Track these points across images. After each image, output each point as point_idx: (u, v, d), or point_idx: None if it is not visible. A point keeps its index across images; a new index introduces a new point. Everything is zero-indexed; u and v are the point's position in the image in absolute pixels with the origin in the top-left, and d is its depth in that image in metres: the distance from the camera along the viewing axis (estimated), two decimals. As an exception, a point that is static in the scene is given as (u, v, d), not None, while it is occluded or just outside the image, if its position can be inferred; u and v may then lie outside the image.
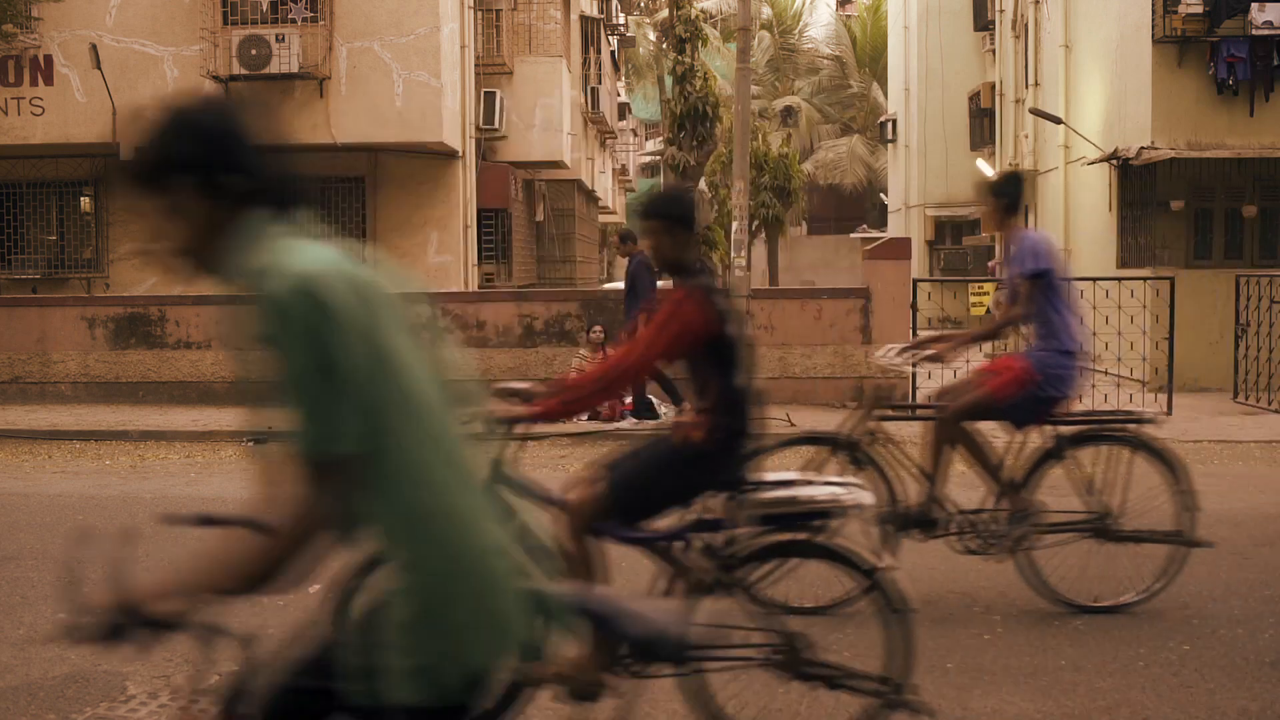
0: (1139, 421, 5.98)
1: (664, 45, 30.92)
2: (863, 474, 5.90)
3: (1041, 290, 5.82)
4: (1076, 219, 19.11)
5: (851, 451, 5.92)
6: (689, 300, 4.08)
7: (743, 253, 12.57)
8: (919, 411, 6.04)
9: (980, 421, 5.93)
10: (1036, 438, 5.95)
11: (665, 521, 4.21)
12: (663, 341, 4.08)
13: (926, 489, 5.86)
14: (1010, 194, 6.11)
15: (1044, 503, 5.91)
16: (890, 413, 6.11)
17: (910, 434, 6.49)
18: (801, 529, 4.11)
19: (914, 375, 13.50)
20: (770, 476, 4.27)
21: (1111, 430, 5.94)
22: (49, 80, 16.05)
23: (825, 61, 45.30)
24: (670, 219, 4.21)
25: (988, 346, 13.31)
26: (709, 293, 4.12)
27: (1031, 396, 5.80)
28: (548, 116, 19.20)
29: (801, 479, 4.26)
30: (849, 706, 4.14)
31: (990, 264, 26.08)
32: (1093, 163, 17.26)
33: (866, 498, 4.18)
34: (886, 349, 6.23)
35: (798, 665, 4.06)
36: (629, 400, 12.88)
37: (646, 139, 50.42)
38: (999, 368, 5.99)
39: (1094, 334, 13.99)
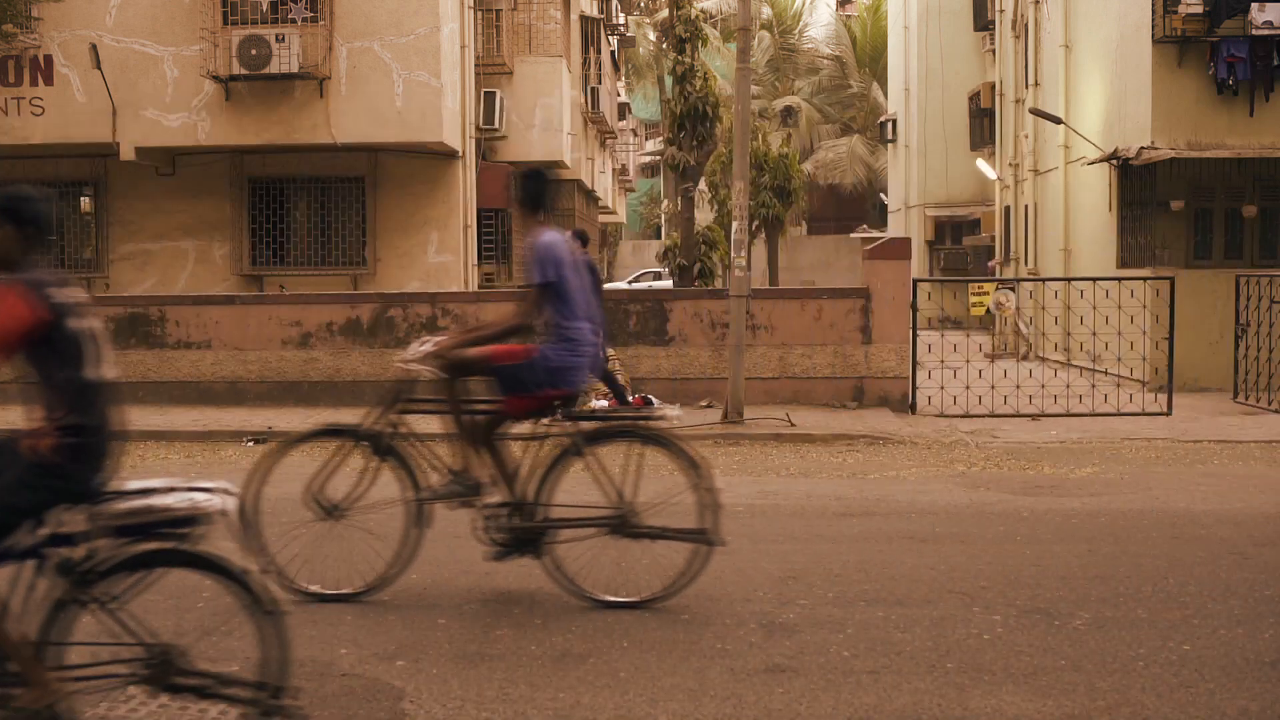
0: (651, 419, 6.07)
1: (664, 45, 30.91)
2: (386, 466, 6.01)
3: (549, 298, 5.94)
4: (1076, 219, 19.11)
5: (374, 444, 6.01)
6: (8, 294, 3.88)
7: (743, 253, 12.56)
8: (437, 405, 6.09)
9: (474, 379, 6.00)
10: (558, 430, 6.00)
11: (14, 539, 3.99)
12: None
13: (505, 491, 5.94)
14: (526, 192, 6.12)
15: (561, 499, 5.98)
16: (413, 406, 6.11)
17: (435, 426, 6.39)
18: (169, 537, 3.98)
19: (914, 375, 13.51)
20: (132, 485, 4.11)
21: (630, 427, 6.03)
22: (49, 80, 16.05)
23: (825, 61, 45.31)
24: None
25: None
26: (37, 286, 3.92)
27: (525, 372, 5.90)
28: (548, 116, 19.21)
29: (164, 486, 4.10)
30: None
31: (990, 264, 26.10)
32: (1093, 163, 17.26)
33: (231, 503, 4.08)
34: (415, 345, 6.18)
35: (167, 678, 3.97)
36: (633, 399, 12.88)
37: (646, 139, 50.42)
38: (511, 347, 6.08)
39: (1094, 334, 14.04)
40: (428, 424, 6.13)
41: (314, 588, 5.99)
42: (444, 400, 6.00)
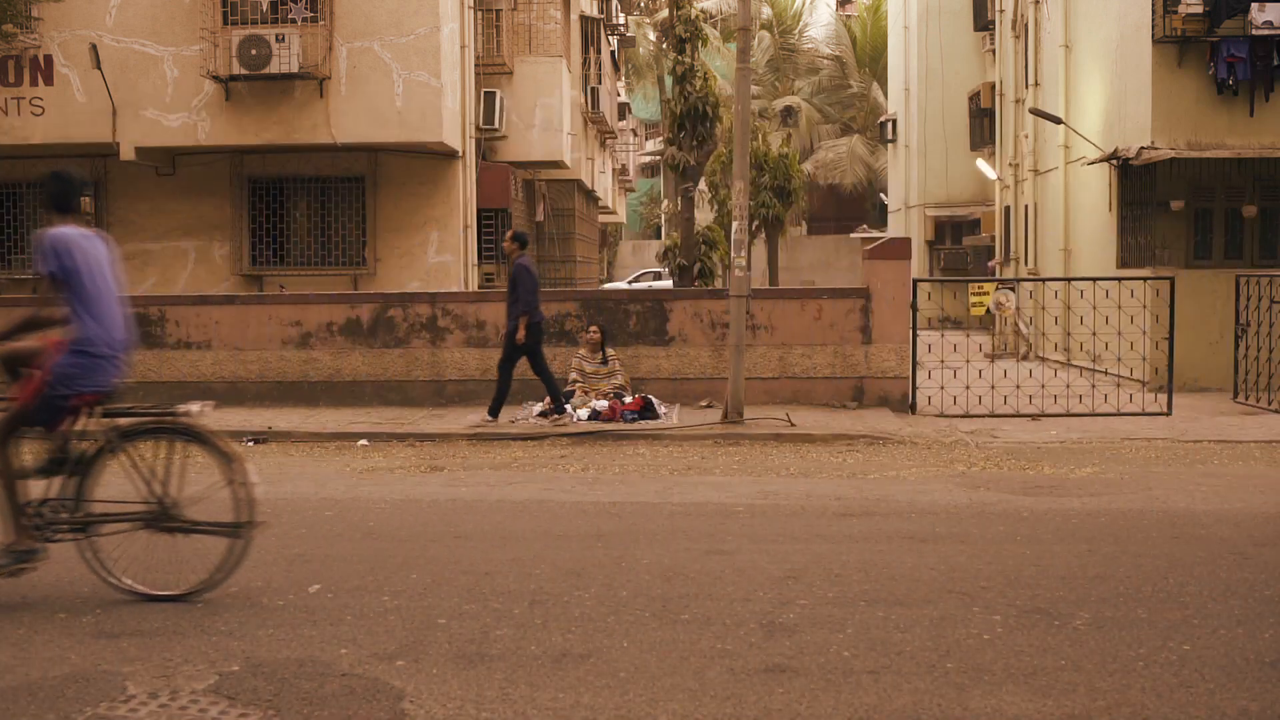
0: (176, 414, 6.13)
1: (664, 45, 30.93)
2: None
3: (61, 292, 5.97)
4: (1076, 219, 19.11)
5: None
6: None
7: (743, 253, 12.56)
8: None
9: (26, 429, 6.04)
10: (96, 428, 6.07)
11: None
12: None
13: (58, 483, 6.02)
14: (52, 193, 6.19)
15: (103, 492, 6.07)
16: None
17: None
18: None
19: (914, 375, 13.51)
20: None
21: (162, 424, 6.11)
22: (49, 80, 16.06)
23: (825, 61, 45.32)
24: None
25: None
26: None
27: (49, 400, 5.94)
28: (548, 116, 19.21)
29: None
30: None
31: (990, 264, 26.10)
32: (1093, 163, 17.27)
33: None
34: None
35: None
36: (629, 400, 12.89)
37: (646, 139, 50.43)
38: (30, 376, 6.06)
39: (1094, 334, 14.04)
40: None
41: None
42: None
